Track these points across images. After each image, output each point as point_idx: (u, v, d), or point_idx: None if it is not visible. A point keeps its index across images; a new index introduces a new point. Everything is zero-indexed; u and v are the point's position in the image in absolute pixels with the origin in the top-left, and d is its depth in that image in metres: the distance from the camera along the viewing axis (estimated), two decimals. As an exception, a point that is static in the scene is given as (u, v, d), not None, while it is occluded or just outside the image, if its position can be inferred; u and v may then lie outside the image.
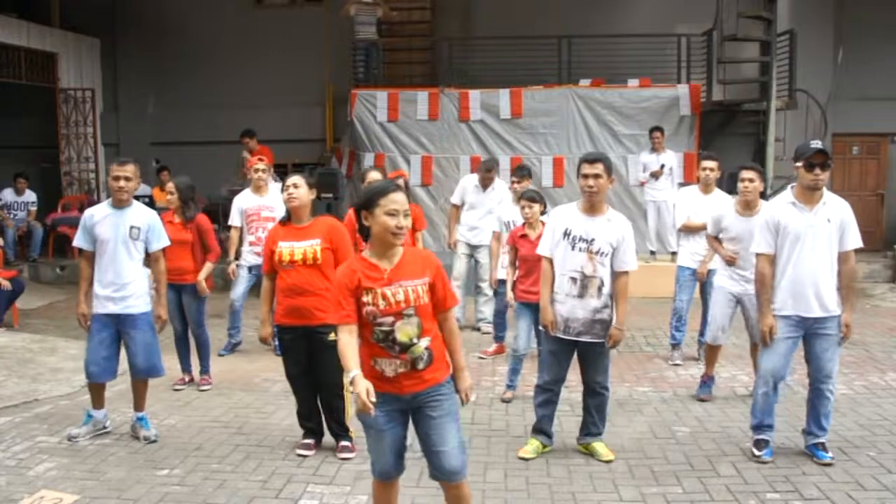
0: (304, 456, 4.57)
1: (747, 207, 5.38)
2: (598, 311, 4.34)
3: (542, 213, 5.56)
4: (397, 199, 3.06)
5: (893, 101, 11.72)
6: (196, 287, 5.91)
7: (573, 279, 4.36)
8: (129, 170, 4.77)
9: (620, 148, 11.14)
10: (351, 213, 5.89)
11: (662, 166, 9.87)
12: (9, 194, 11.65)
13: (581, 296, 4.34)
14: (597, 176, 4.28)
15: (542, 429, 4.65)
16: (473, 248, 7.87)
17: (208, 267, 5.99)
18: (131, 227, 4.79)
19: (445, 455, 3.12)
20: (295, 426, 4.82)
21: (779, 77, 10.61)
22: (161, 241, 4.97)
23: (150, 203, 8.93)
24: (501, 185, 7.77)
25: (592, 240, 4.32)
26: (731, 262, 5.43)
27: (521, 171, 6.91)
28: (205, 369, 6.08)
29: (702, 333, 6.41)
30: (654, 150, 10.04)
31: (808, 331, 4.40)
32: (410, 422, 3.22)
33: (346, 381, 4.59)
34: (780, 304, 4.41)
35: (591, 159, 4.35)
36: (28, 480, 4.24)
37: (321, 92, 12.98)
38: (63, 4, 13.32)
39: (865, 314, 8.72)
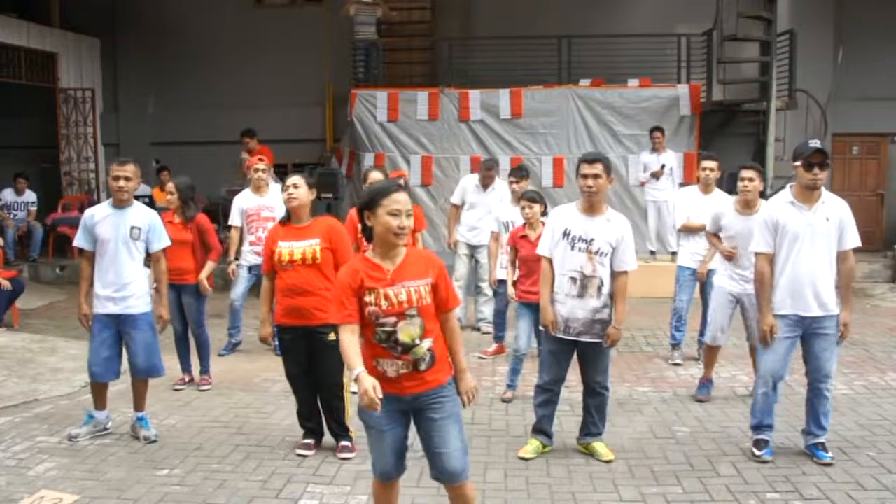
0: (304, 456, 4.57)
1: (747, 207, 5.38)
2: (598, 311, 4.35)
3: (543, 213, 5.56)
4: (400, 199, 3.05)
5: (893, 101, 11.72)
6: (198, 287, 5.92)
7: (573, 279, 4.36)
8: (129, 170, 4.77)
9: (620, 148, 11.15)
10: (352, 213, 5.92)
11: (663, 166, 9.87)
12: (9, 194, 11.65)
13: (581, 296, 4.35)
14: (596, 176, 4.29)
15: (542, 429, 4.65)
16: (473, 249, 7.87)
17: (210, 266, 5.99)
18: (132, 228, 4.80)
19: (447, 457, 3.11)
20: (295, 426, 4.82)
21: (779, 77, 10.61)
22: (162, 241, 4.98)
23: (150, 203, 8.93)
24: (502, 185, 7.77)
25: (592, 240, 4.32)
26: (729, 258, 5.43)
27: (519, 172, 6.91)
28: (205, 369, 6.08)
29: (702, 333, 6.41)
30: (654, 150, 10.04)
31: (807, 330, 4.40)
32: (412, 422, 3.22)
33: (346, 379, 4.65)
34: (779, 304, 4.41)
35: (590, 159, 4.35)
36: (28, 480, 4.24)
37: (321, 92, 12.98)
38: (63, 4, 13.32)
39: (865, 314, 8.72)
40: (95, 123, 13.32)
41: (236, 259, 6.97)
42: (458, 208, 8.09)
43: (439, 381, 3.13)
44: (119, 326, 4.81)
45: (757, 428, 4.54)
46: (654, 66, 11.47)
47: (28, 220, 11.54)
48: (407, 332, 3.05)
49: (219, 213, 10.33)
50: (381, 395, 2.86)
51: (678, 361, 6.61)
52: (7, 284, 7.87)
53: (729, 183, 7.24)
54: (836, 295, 4.42)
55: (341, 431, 4.64)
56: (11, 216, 11.41)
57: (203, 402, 5.69)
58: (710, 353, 5.72)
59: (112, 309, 4.77)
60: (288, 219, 4.66)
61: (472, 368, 3.33)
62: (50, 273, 11.23)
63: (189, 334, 6.06)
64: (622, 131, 11.16)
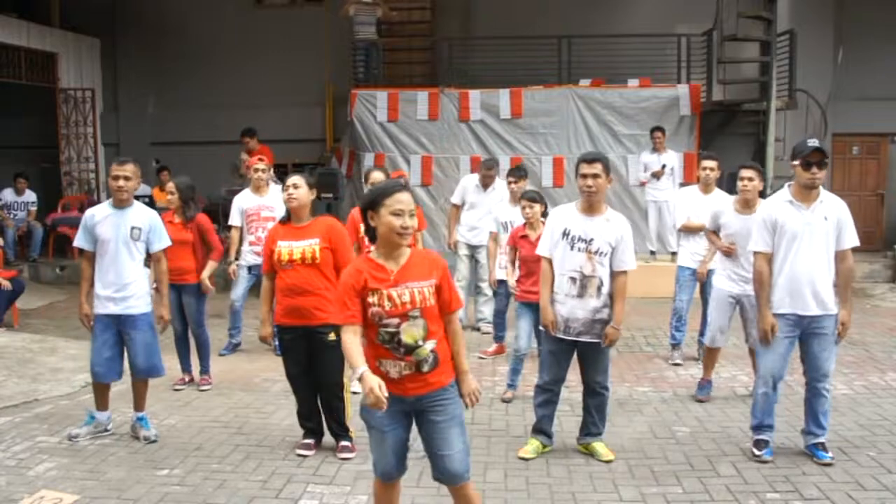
0: (304, 456, 4.57)
1: (746, 206, 5.38)
2: (598, 311, 4.35)
3: (543, 213, 5.56)
4: (402, 199, 3.03)
5: (893, 101, 11.72)
6: (198, 287, 5.92)
7: (572, 279, 4.36)
8: (129, 169, 4.77)
9: (620, 148, 11.15)
10: (353, 213, 5.92)
11: (664, 166, 9.86)
12: (9, 194, 11.65)
13: (581, 296, 4.35)
14: (595, 176, 4.29)
15: (542, 429, 4.65)
16: (473, 249, 7.88)
17: (212, 265, 6.00)
18: (132, 228, 4.80)
19: (449, 459, 3.11)
20: (295, 426, 4.82)
21: (779, 77, 10.61)
22: (162, 241, 4.98)
23: (151, 203, 8.93)
24: (502, 185, 7.77)
25: (591, 239, 4.32)
26: (728, 254, 5.42)
27: (517, 172, 6.91)
28: (205, 369, 6.08)
29: (702, 333, 6.41)
30: (655, 149, 10.03)
31: (805, 330, 4.41)
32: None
33: (346, 379, 4.65)
34: (778, 303, 4.41)
35: (589, 159, 4.35)
36: (28, 480, 4.24)
37: (321, 92, 12.98)
38: (63, 4, 13.32)
39: (865, 314, 8.72)
40: (95, 123, 13.33)
41: (236, 259, 6.97)
42: (458, 208, 8.10)
43: (442, 383, 3.12)
44: (119, 327, 4.81)
45: (757, 428, 4.54)
46: (654, 66, 11.47)
47: (28, 220, 11.54)
48: (410, 333, 3.03)
49: (219, 213, 10.34)
50: (386, 394, 2.85)
51: (678, 361, 6.61)
52: (7, 284, 7.87)
53: (729, 183, 7.24)
54: (835, 294, 4.42)
55: (341, 431, 4.64)
56: (11, 216, 11.42)
57: (203, 402, 5.69)
58: (709, 355, 5.72)
59: (112, 309, 4.77)
60: (288, 218, 4.67)
61: (472, 368, 3.32)
62: (50, 273, 11.23)
63: (189, 334, 6.06)
64: (622, 131, 11.17)
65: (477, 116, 11.26)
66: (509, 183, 6.80)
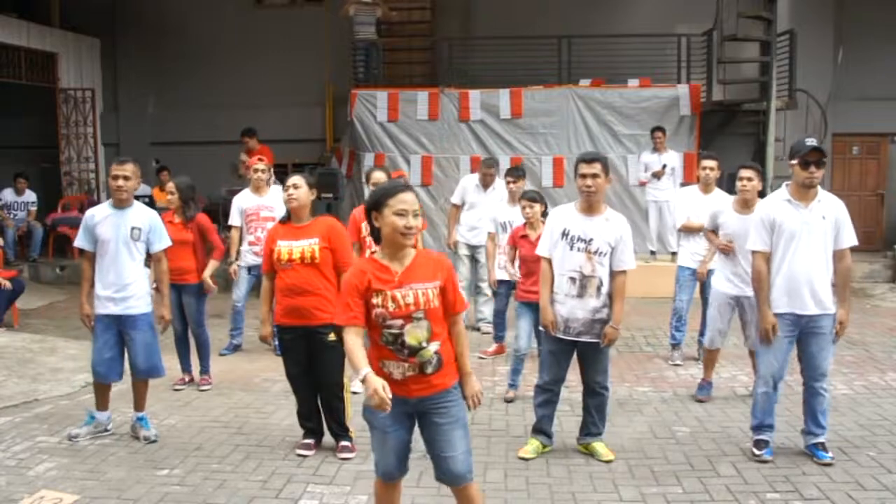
0: (304, 456, 4.57)
1: (745, 206, 5.38)
2: (598, 311, 4.35)
3: (543, 213, 5.56)
4: (406, 199, 3.01)
5: (893, 101, 11.72)
6: (198, 287, 5.92)
7: (572, 279, 4.36)
8: (128, 169, 4.77)
9: (620, 148, 11.15)
10: (354, 213, 5.93)
11: (664, 166, 9.86)
12: (9, 194, 11.65)
13: (580, 296, 4.35)
14: (595, 176, 4.28)
15: (542, 429, 4.65)
16: (473, 249, 7.88)
17: (213, 265, 6.01)
18: (132, 228, 4.80)
19: (452, 460, 3.10)
20: (295, 426, 4.82)
21: (779, 77, 10.61)
22: (163, 241, 4.98)
23: (151, 203, 8.93)
24: (502, 185, 7.77)
25: (591, 239, 4.33)
26: (725, 251, 5.42)
27: (516, 172, 6.92)
28: (205, 369, 6.08)
29: (702, 333, 6.41)
30: (655, 149, 10.02)
31: (803, 329, 4.41)
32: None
33: (346, 380, 4.65)
34: (776, 302, 4.41)
35: (588, 159, 4.35)
36: (28, 480, 4.24)
37: (321, 92, 12.98)
38: (63, 4, 13.32)
39: (865, 314, 8.73)
40: (95, 123, 13.33)
41: (236, 259, 6.97)
42: (458, 208, 8.10)
43: (445, 385, 3.11)
44: (119, 327, 4.81)
45: (758, 428, 4.54)
46: (654, 66, 11.47)
47: (28, 220, 11.54)
48: (414, 334, 3.02)
49: (219, 213, 10.35)
50: (390, 395, 2.85)
51: (678, 362, 6.61)
52: (7, 284, 7.87)
53: (729, 183, 7.24)
54: (833, 293, 4.43)
55: (341, 431, 4.64)
56: (11, 216, 11.42)
57: (203, 402, 5.69)
58: (709, 356, 5.72)
59: (112, 309, 4.77)
60: (288, 218, 4.67)
61: (472, 368, 3.31)
62: (50, 273, 11.23)
63: (189, 334, 6.06)
64: (622, 131, 11.16)
65: (477, 116, 11.26)
66: (508, 183, 6.80)
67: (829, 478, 4.21)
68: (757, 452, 4.47)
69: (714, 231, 5.61)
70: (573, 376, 4.77)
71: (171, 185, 5.99)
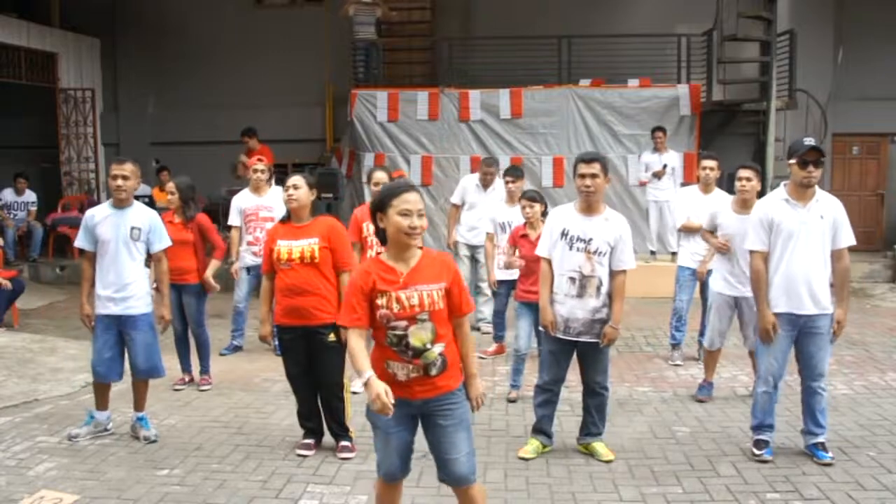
0: (304, 456, 4.57)
1: (744, 206, 5.37)
2: (598, 311, 4.35)
3: (543, 213, 5.56)
4: (410, 199, 3.00)
5: (893, 101, 11.72)
6: (198, 287, 5.92)
7: (572, 279, 4.36)
8: (127, 168, 4.77)
9: (620, 148, 11.16)
10: (355, 213, 5.93)
11: (665, 166, 9.86)
12: (9, 194, 11.65)
13: (580, 296, 4.35)
14: (594, 176, 4.28)
15: (541, 429, 4.65)
16: (473, 249, 7.88)
17: (215, 264, 6.01)
18: (132, 228, 4.80)
19: (455, 462, 3.10)
20: (295, 426, 4.82)
21: (779, 77, 10.61)
22: (163, 241, 4.98)
23: (151, 203, 8.93)
24: (502, 185, 7.77)
25: (590, 239, 4.33)
26: (721, 250, 5.41)
27: (515, 171, 6.92)
28: (205, 369, 6.08)
29: (702, 333, 6.40)
30: (656, 149, 10.02)
31: (801, 329, 4.41)
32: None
33: (346, 380, 4.65)
34: (774, 302, 4.41)
35: (587, 159, 4.35)
36: (28, 480, 4.24)
37: (321, 92, 12.98)
38: (63, 4, 13.33)
39: (865, 314, 8.73)
40: (95, 123, 13.33)
41: (237, 259, 6.97)
42: (457, 208, 8.10)
43: (450, 387, 3.10)
44: (120, 327, 4.81)
45: (758, 428, 4.54)
46: (654, 66, 11.47)
47: (28, 220, 11.54)
48: (418, 336, 3.01)
49: (219, 213, 10.34)
50: (392, 400, 2.85)
51: (678, 362, 6.61)
52: (7, 284, 7.87)
53: (729, 183, 7.23)
54: (831, 293, 4.43)
55: (341, 431, 4.63)
56: (11, 216, 11.42)
57: (203, 402, 5.69)
58: (709, 357, 5.72)
59: (113, 310, 4.77)
60: (288, 218, 4.67)
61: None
62: (50, 273, 11.23)
63: (189, 334, 6.06)
64: (622, 131, 11.17)
65: (477, 116, 11.26)
66: (507, 182, 6.79)
67: (829, 478, 4.22)
68: (757, 452, 4.47)
69: (712, 232, 5.61)
70: (573, 376, 4.77)
71: (171, 185, 5.99)
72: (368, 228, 5.68)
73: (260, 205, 6.91)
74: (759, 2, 10.40)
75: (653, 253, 10.26)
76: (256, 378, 6.25)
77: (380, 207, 3.06)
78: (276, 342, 4.92)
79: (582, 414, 4.68)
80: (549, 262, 4.47)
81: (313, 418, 4.69)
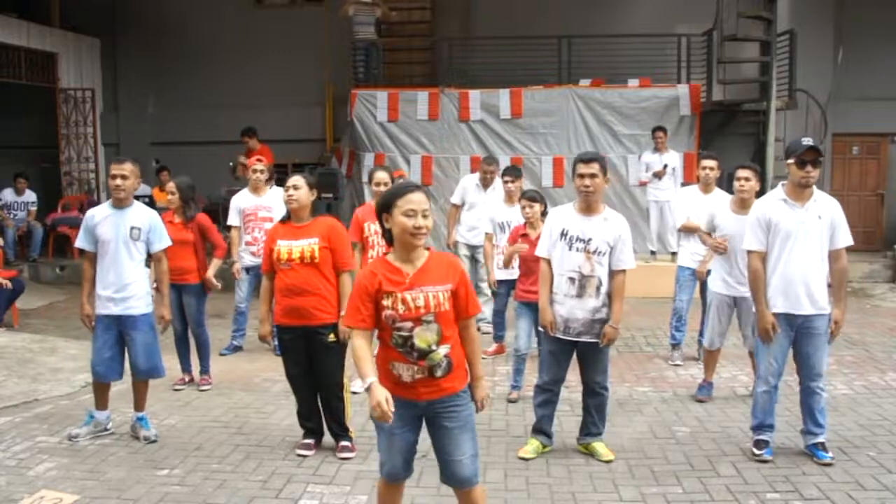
0: (304, 456, 4.57)
1: (743, 206, 5.36)
2: (598, 311, 4.35)
3: (543, 212, 5.56)
4: (414, 199, 3.00)
5: (893, 101, 11.72)
6: (198, 287, 5.92)
7: (571, 279, 4.36)
8: (126, 168, 4.77)
9: (620, 148, 11.16)
10: (356, 213, 5.93)
11: (665, 166, 9.86)
12: (9, 194, 11.65)
13: (580, 296, 4.35)
14: (593, 175, 4.29)
15: (541, 429, 4.65)
16: (473, 249, 7.89)
17: (216, 263, 6.03)
18: (132, 228, 4.80)
19: (458, 464, 3.10)
20: (295, 426, 4.82)
21: (779, 77, 10.61)
22: (163, 241, 4.98)
23: (151, 203, 8.93)
24: (501, 184, 7.77)
25: (589, 239, 4.33)
26: (719, 251, 5.41)
27: (514, 171, 6.91)
28: (205, 369, 6.08)
29: (702, 333, 6.40)
30: (656, 149, 10.02)
31: (799, 330, 4.41)
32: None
33: (346, 380, 4.65)
34: (771, 302, 4.42)
35: (586, 159, 4.35)
36: (28, 480, 4.24)
37: (321, 92, 12.98)
38: (63, 4, 13.32)
39: (865, 314, 8.73)
40: (95, 123, 13.33)
41: (237, 259, 6.97)
42: (457, 208, 8.10)
43: (455, 389, 3.09)
44: (120, 327, 4.81)
45: (758, 428, 4.54)
46: (654, 66, 11.47)
47: (28, 220, 11.54)
48: (423, 337, 3.00)
49: (219, 213, 10.34)
50: (393, 409, 2.85)
51: (678, 362, 6.61)
52: (7, 284, 7.87)
53: (728, 183, 7.23)
54: (829, 293, 4.43)
55: (341, 431, 4.63)
56: (11, 216, 11.41)
57: (203, 402, 5.69)
58: (709, 357, 5.72)
59: (113, 310, 4.77)
60: (288, 218, 4.67)
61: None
62: (50, 273, 11.23)
63: (189, 334, 6.06)
64: (622, 131, 11.17)
65: (477, 116, 11.26)
66: (506, 182, 6.78)
67: (829, 478, 4.21)
68: (757, 452, 4.47)
69: (710, 234, 5.60)
70: (573, 376, 4.77)
71: (171, 185, 5.99)
72: (370, 228, 5.68)
73: (259, 205, 6.91)
74: (759, 2, 10.40)
75: (653, 253, 10.26)
76: (256, 378, 6.25)
77: (385, 208, 3.05)
78: (276, 342, 4.92)
79: (582, 414, 4.68)
80: (549, 262, 4.47)
81: (313, 418, 4.69)
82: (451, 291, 3.05)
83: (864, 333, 7.67)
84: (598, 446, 4.56)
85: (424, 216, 3.00)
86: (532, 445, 4.60)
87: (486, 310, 7.71)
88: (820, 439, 4.47)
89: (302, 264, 4.47)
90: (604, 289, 4.35)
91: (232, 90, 13.11)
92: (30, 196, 11.72)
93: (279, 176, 7.21)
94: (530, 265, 5.29)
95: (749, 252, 4.51)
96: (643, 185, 10.42)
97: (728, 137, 11.32)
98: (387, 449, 3.15)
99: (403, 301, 2.99)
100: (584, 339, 4.38)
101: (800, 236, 4.34)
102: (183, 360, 6.08)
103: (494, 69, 11.60)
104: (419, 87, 11.72)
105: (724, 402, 5.61)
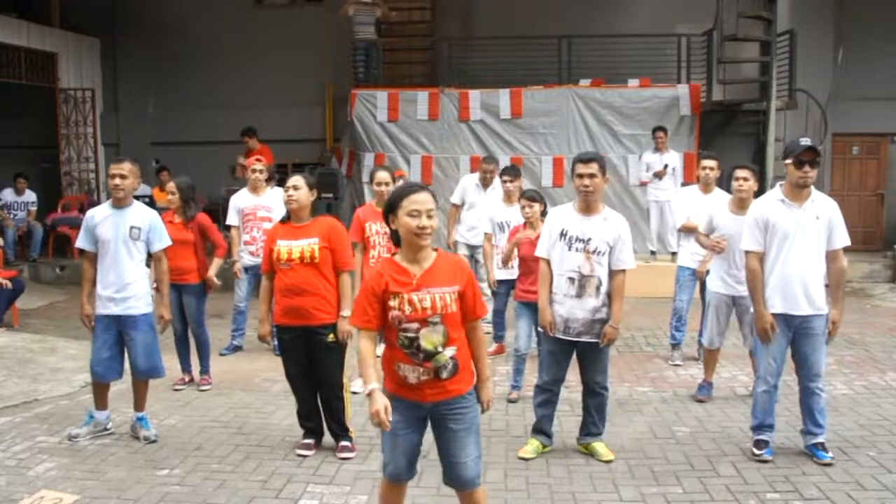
0: (304, 456, 4.57)
1: (741, 206, 5.36)
2: (598, 311, 4.35)
3: (543, 212, 5.56)
4: (418, 199, 2.99)
5: (893, 101, 11.71)
6: (198, 287, 5.92)
7: (571, 279, 4.36)
8: (125, 168, 4.77)
9: (620, 148, 11.16)
10: (357, 213, 5.93)
11: (666, 166, 9.86)
12: (9, 194, 11.65)
13: (579, 296, 4.35)
14: (592, 175, 4.29)
15: (541, 429, 4.65)
16: (473, 249, 7.88)
17: (217, 262, 6.03)
18: (131, 228, 4.80)
19: (464, 466, 3.10)
20: (295, 426, 4.82)
21: (779, 77, 10.60)
22: (163, 241, 4.98)
23: (151, 203, 8.93)
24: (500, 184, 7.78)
25: (589, 239, 4.33)
26: (717, 250, 5.41)
27: (513, 171, 6.91)
28: (205, 369, 6.08)
29: (701, 333, 6.40)
30: (657, 149, 10.02)
31: (796, 330, 4.41)
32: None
33: (346, 380, 4.65)
34: (769, 302, 4.42)
35: (585, 159, 4.35)
36: (28, 480, 4.24)
37: (321, 92, 12.98)
38: (63, 4, 13.32)
39: (865, 314, 8.73)
40: (95, 123, 13.33)
41: (238, 259, 6.97)
42: (457, 208, 8.10)
43: (460, 391, 3.09)
44: (119, 327, 4.81)
45: (758, 428, 4.54)
46: (654, 66, 11.47)
47: (28, 220, 11.54)
48: (429, 339, 3.00)
49: (219, 213, 10.34)
50: (391, 418, 2.88)
51: (678, 362, 6.61)
52: (7, 284, 7.87)
53: (728, 183, 7.23)
54: (826, 294, 4.43)
55: (341, 431, 4.63)
56: (11, 216, 11.41)
57: (203, 402, 5.69)
58: (709, 356, 5.72)
59: (113, 310, 4.77)
60: (288, 218, 4.67)
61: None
62: (50, 273, 11.23)
63: (189, 334, 6.06)
64: (622, 131, 11.17)
65: (477, 116, 11.26)
66: (504, 182, 6.77)
67: (829, 478, 4.22)
68: (757, 452, 4.47)
69: (707, 235, 5.60)
70: (573, 376, 4.77)
71: (171, 185, 5.99)
72: (371, 228, 5.68)
73: (258, 204, 6.91)
74: (759, 2, 10.40)
75: (653, 253, 10.26)
76: (256, 378, 6.25)
77: (391, 209, 3.06)
78: (276, 342, 4.91)
79: (582, 414, 4.68)
80: (548, 262, 4.47)
81: (313, 418, 4.69)
82: (458, 293, 3.05)
83: (864, 333, 7.67)
84: (598, 446, 4.56)
85: (429, 216, 3.00)
86: (532, 445, 4.60)
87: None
88: (820, 439, 4.47)
89: (302, 264, 4.47)
90: (603, 289, 4.35)
91: (232, 90, 13.11)
92: (30, 196, 11.72)
93: (280, 176, 7.21)
94: (530, 265, 5.28)
95: (747, 252, 4.51)
96: (644, 184, 10.42)
97: (728, 137, 11.31)
98: (391, 449, 3.15)
99: (410, 302, 2.99)
100: (584, 339, 4.38)
101: (797, 237, 4.34)
102: (183, 360, 6.08)
103: (494, 69, 11.60)
104: (419, 87, 11.72)
105: (724, 402, 5.61)
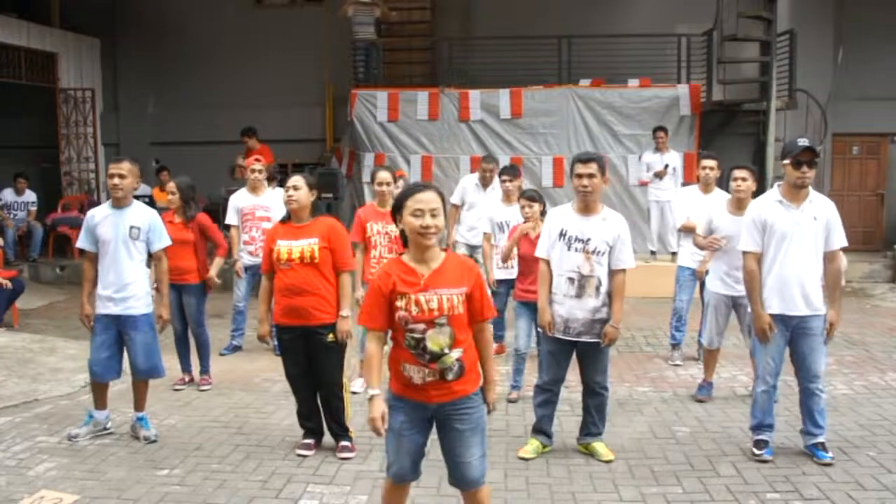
0: (304, 456, 4.57)
1: (740, 207, 5.36)
2: (597, 311, 4.35)
3: (542, 212, 5.56)
4: (422, 199, 2.98)
5: (893, 101, 11.71)
6: (198, 287, 5.92)
7: (570, 279, 4.36)
8: (124, 167, 4.77)
9: (620, 148, 11.16)
10: (358, 214, 5.93)
11: (666, 166, 9.85)
12: (9, 194, 11.65)
13: (579, 296, 4.35)
14: (591, 175, 4.29)
15: (541, 429, 4.65)
16: (473, 249, 7.88)
17: (218, 262, 6.03)
18: (131, 227, 4.80)
19: (469, 466, 3.10)
20: (295, 426, 4.82)
21: (779, 77, 10.60)
22: (163, 240, 4.98)
23: (151, 203, 8.93)
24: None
25: (588, 239, 4.33)
26: (714, 248, 5.40)
27: (512, 170, 6.89)
28: (205, 369, 6.08)
29: (701, 333, 6.40)
30: (657, 149, 10.02)
31: (794, 331, 4.41)
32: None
33: (346, 380, 4.65)
34: (767, 303, 4.42)
35: (584, 159, 4.35)
36: (28, 480, 4.24)
37: (321, 92, 12.98)
38: (63, 4, 13.33)
39: (865, 314, 8.73)
40: (95, 123, 13.33)
41: (238, 258, 6.97)
42: (457, 208, 8.10)
43: (466, 392, 3.08)
44: (119, 327, 4.81)
45: (757, 428, 4.54)
46: (654, 66, 11.47)
47: (28, 220, 11.54)
48: (435, 340, 2.99)
49: (219, 213, 10.33)
50: (386, 426, 2.92)
51: (678, 362, 6.61)
52: (7, 284, 7.87)
53: (728, 183, 7.25)
54: (824, 294, 4.43)
55: (341, 431, 4.63)
56: (11, 216, 11.42)
57: (203, 402, 5.69)
58: (708, 356, 5.72)
59: (112, 310, 4.77)
60: (288, 218, 4.67)
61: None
62: (50, 273, 11.23)
63: (189, 334, 6.06)
64: (622, 131, 11.17)
65: (477, 116, 11.26)
66: (503, 181, 6.76)
67: (829, 478, 4.22)
68: (757, 452, 4.47)
69: (705, 236, 5.60)
70: (573, 376, 4.77)
71: (171, 185, 5.99)
72: (372, 228, 5.68)
73: (257, 204, 6.91)
74: (759, 2, 10.40)
75: (653, 253, 10.26)
76: (256, 378, 6.25)
77: (397, 210, 3.06)
78: (276, 342, 4.91)
79: (582, 414, 4.68)
80: (548, 262, 4.47)
81: (313, 418, 4.69)
82: (465, 295, 3.04)
83: (864, 333, 7.67)
84: (598, 446, 4.56)
85: (433, 215, 2.98)
86: (532, 445, 4.60)
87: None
88: (820, 439, 4.47)
89: (302, 264, 4.47)
90: (603, 288, 4.35)
91: (232, 90, 13.11)
92: (30, 196, 11.73)
93: (280, 176, 7.21)
94: (529, 265, 5.28)
95: (745, 253, 4.51)
96: (644, 184, 10.41)
97: (728, 137, 11.31)
98: (395, 450, 3.14)
99: (417, 302, 2.98)
100: (584, 339, 4.38)
101: (795, 237, 4.34)
102: (183, 360, 6.08)
103: (494, 69, 11.60)
104: (419, 87, 11.72)
105: (724, 402, 5.61)
